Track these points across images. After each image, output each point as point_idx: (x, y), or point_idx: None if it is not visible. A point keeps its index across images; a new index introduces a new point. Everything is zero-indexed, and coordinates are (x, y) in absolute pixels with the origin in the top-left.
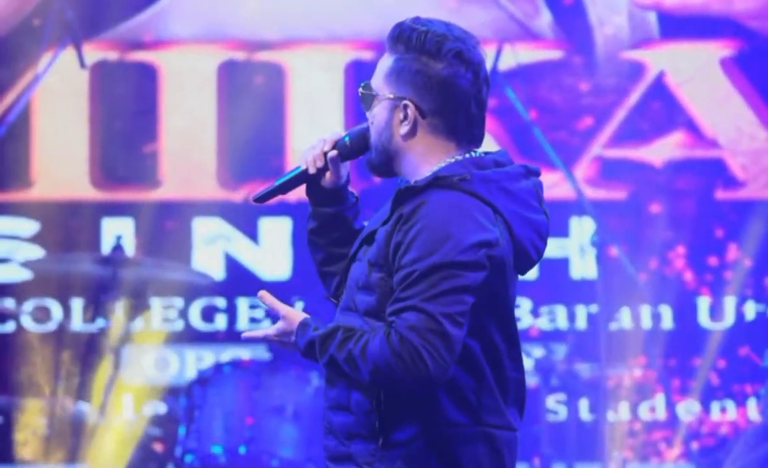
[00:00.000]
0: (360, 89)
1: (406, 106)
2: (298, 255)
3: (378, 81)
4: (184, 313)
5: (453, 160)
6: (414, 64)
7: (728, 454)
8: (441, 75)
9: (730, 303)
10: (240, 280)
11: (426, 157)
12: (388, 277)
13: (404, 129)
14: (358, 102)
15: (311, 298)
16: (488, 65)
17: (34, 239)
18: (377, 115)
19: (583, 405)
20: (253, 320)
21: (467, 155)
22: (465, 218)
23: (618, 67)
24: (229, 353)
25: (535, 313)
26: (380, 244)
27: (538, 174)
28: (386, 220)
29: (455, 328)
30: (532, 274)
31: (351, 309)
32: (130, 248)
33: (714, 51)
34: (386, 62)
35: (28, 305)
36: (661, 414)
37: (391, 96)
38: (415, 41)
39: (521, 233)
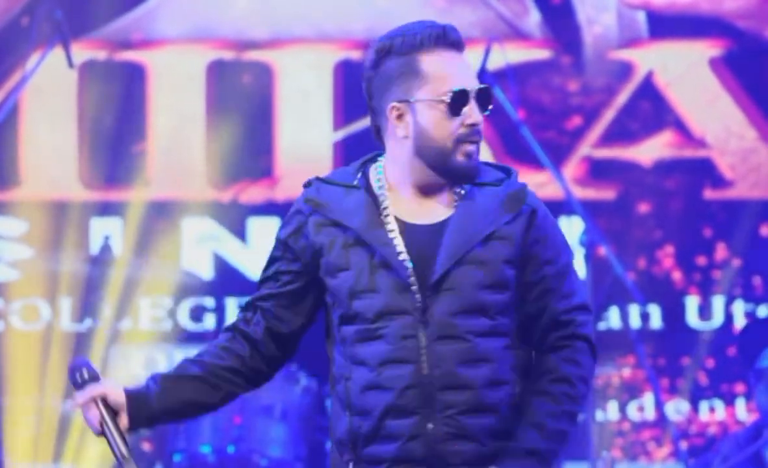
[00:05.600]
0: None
1: None
2: None
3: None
4: (172, 313)
5: None
6: None
7: (718, 453)
8: None
9: (718, 302)
10: (228, 280)
11: None
12: (520, 274)
13: None
14: (346, 101)
15: None
16: (477, 65)
17: (23, 239)
18: None
19: None
20: None
21: None
22: None
23: (607, 67)
24: None
25: None
26: (515, 242)
27: None
28: (509, 220)
29: None
30: None
31: (475, 311)
32: (118, 248)
33: (703, 50)
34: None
35: (17, 305)
36: (650, 413)
37: None
38: None
39: None
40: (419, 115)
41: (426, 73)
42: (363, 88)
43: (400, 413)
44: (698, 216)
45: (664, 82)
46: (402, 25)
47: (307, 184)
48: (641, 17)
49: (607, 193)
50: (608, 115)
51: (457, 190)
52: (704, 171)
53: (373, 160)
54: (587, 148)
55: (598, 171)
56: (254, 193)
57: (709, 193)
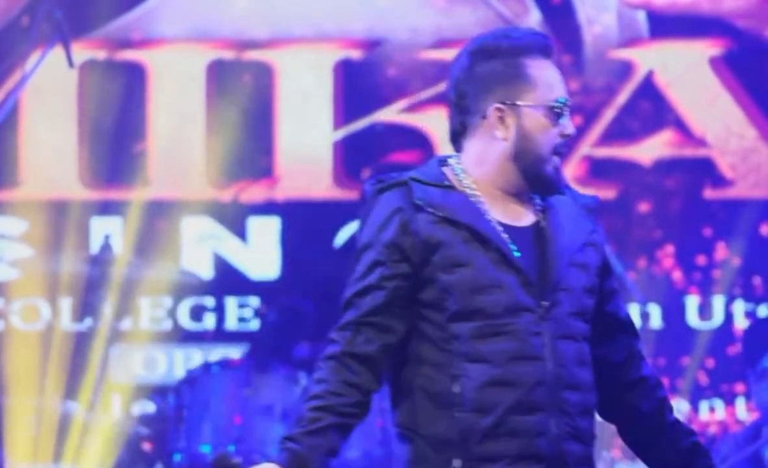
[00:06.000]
0: None
1: None
2: (287, 254)
3: None
4: (172, 313)
5: None
6: None
7: (717, 453)
8: None
9: (718, 302)
10: (228, 280)
11: None
12: (599, 282)
13: None
14: (346, 101)
15: (299, 298)
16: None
17: (23, 238)
18: None
19: None
20: (241, 319)
21: None
22: None
23: (607, 66)
24: (217, 353)
25: None
26: (601, 252)
27: None
28: (592, 229)
29: None
30: None
31: (580, 314)
32: (118, 247)
33: (703, 50)
34: None
35: (17, 304)
36: None
37: None
38: None
39: None
40: (525, 119)
41: (534, 78)
42: (450, 88)
43: (527, 410)
44: (698, 216)
45: (664, 82)
46: (494, 29)
47: (389, 186)
48: (641, 17)
49: (607, 193)
50: (608, 115)
51: (534, 196)
52: (704, 170)
53: (444, 162)
54: (587, 147)
55: (598, 170)
56: (254, 193)
57: (709, 193)
